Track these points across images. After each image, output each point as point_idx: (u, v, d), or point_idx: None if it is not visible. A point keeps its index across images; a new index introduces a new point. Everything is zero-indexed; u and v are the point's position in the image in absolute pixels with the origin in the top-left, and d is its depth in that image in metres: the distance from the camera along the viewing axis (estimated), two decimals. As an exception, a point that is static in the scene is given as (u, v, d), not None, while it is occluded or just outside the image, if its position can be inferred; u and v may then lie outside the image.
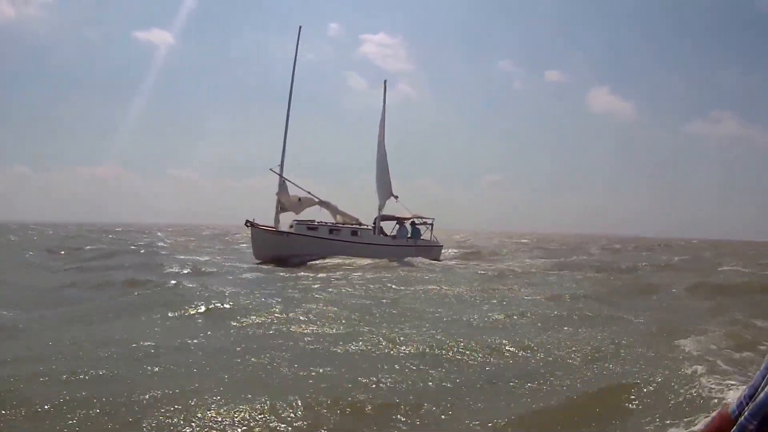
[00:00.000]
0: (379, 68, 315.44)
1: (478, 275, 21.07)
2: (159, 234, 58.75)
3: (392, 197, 29.32)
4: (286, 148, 27.17)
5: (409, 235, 29.16)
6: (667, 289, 16.52)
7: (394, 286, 16.10)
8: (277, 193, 26.73)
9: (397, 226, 29.44)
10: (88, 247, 32.78)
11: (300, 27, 30.47)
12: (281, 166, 26.85)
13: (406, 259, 25.92)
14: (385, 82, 32.15)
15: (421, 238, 29.62)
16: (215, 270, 20.90)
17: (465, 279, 19.27)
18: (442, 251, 31.54)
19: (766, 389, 1.27)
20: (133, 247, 33.47)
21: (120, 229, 72.27)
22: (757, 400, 1.27)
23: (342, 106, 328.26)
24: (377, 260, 23.82)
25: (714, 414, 1.43)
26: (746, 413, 1.30)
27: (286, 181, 27.04)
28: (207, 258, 26.79)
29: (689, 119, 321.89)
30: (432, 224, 30.18)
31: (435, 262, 27.64)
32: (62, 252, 29.30)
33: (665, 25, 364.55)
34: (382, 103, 31.14)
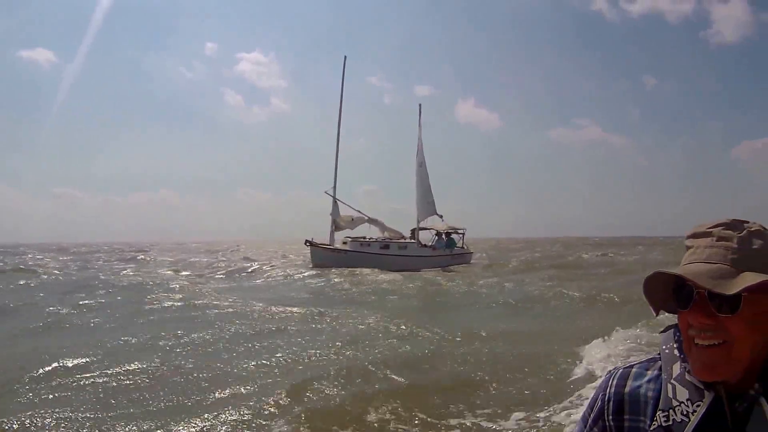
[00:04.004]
0: (254, 85, 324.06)
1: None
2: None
3: (436, 215, 32.67)
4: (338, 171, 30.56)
5: (445, 246, 32.59)
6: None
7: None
8: (332, 214, 30.07)
9: (436, 237, 32.87)
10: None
11: (345, 57, 33.81)
12: (334, 188, 30.21)
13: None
14: (420, 105, 35.63)
15: (457, 246, 33.09)
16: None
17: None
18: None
19: None
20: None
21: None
22: None
23: (217, 121, 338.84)
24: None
25: None
26: None
27: (338, 201, 30.43)
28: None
29: (552, 126, 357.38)
30: (464, 234, 33.62)
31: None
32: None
33: (526, 40, 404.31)
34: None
